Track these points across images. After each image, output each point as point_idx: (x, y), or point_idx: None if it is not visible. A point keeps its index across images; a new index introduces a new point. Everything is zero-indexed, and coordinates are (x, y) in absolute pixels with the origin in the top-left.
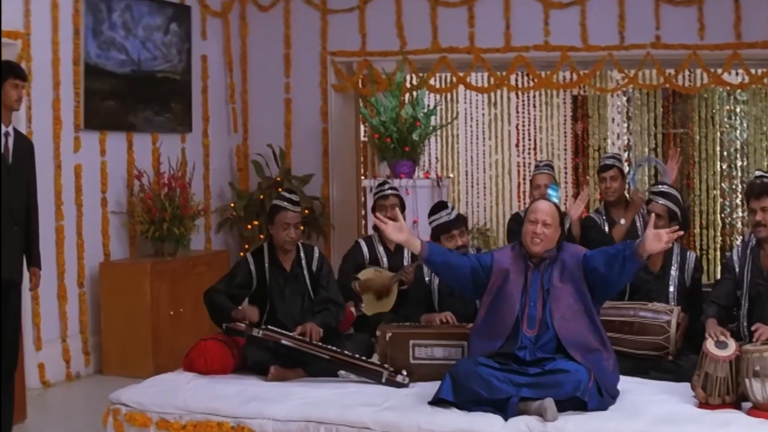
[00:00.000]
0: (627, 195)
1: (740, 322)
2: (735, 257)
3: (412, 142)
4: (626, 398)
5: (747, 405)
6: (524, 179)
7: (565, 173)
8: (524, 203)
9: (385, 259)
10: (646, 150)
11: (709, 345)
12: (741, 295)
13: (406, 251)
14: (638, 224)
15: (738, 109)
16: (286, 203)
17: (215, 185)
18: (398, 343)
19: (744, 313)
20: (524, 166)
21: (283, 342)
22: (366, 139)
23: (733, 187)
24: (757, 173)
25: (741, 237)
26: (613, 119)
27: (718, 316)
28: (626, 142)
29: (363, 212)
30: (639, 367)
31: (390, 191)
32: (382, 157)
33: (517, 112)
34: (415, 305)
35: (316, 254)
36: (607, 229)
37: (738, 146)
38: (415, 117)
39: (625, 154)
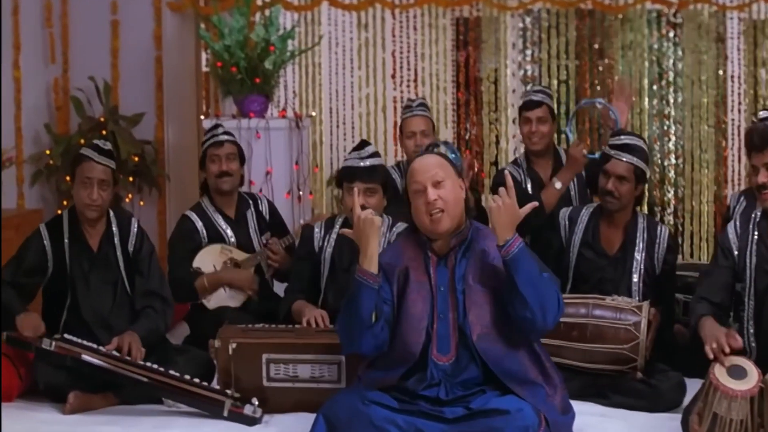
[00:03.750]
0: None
1: (744, 328)
2: (732, 236)
3: (264, 71)
4: None
5: None
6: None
7: (455, 110)
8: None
9: (229, 232)
10: (555, 82)
11: (719, 372)
12: (743, 290)
13: (251, 217)
14: (573, 191)
15: (671, 35)
16: (91, 151)
17: (29, 128)
18: (246, 356)
19: (749, 315)
20: (402, 101)
21: (85, 358)
22: (208, 69)
23: (665, 128)
24: (762, 114)
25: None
26: (513, 45)
27: (714, 315)
28: (529, 72)
29: None
30: (594, 387)
31: (225, 137)
32: (226, 92)
33: (394, 36)
34: (306, 282)
35: (134, 228)
36: (529, 187)
37: (671, 79)
38: (268, 41)
39: (529, 87)
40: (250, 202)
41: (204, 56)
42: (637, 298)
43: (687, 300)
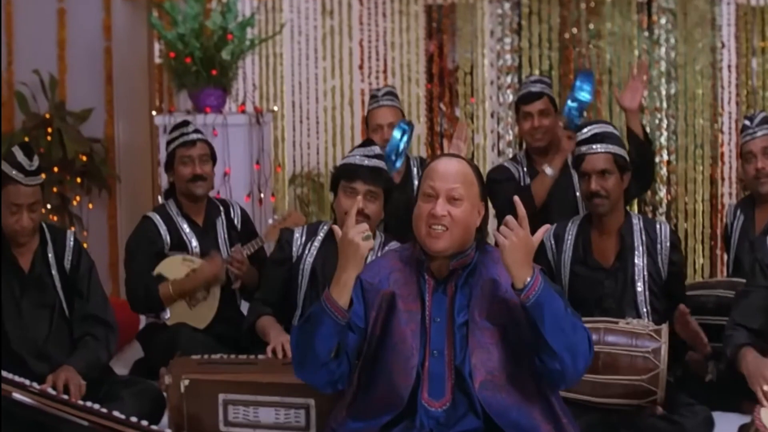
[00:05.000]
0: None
1: None
2: None
3: (221, 62)
4: None
5: None
6: None
7: (428, 104)
8: None
9: (193, 242)
10: (537, 72)
11: (766, 415)
12: None
13: (221, 226)
14: (579, 192)
15: (663, 21)
16: (15, 171)
17: None
18: (200, 395)
19: None
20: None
21: (16, 397)
22: (161, 60)
23: (657, 121)
24: None
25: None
26: (491, 33)
27: (755, 345)
28: (508, 62)
29: (158, 159)
30: (607, 424)
31: (196, 135)
32: (180, 85)
33: (361, 24)
34: (277, 292)
35: (70, 242)
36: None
37: (663, 68)
38: (226, 29)
39: (508, 78)
40: (221, 209)
41: (157, 47)
42: (644, 309)
43: (702, 323)
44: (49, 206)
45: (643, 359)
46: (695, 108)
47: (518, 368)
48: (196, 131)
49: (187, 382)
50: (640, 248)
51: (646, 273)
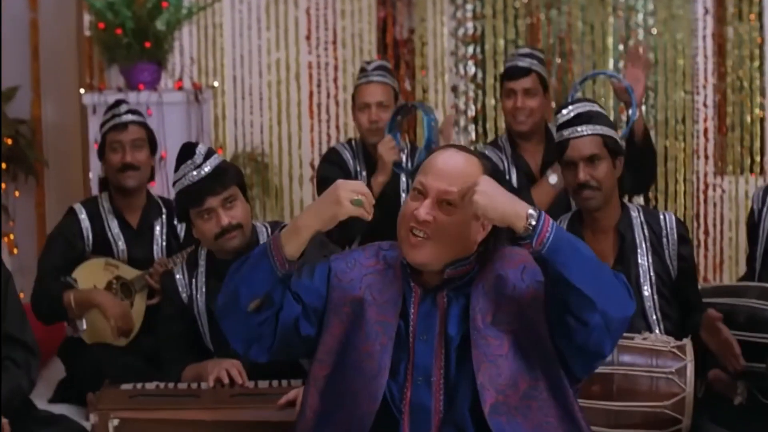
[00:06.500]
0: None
1: None
2: None
3: (155, 33)
4: None
5: None
6: (319, 86)
7: None
8: (321, 123)
9: (120, 245)
10: (502, 42)
11: None
12: None
13: (159, 231)
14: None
15: None
16: None
17: None
18: None
19: None
20: (319, 68)
21: None
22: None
23: None
24: None
25: None
26: None
27: None
28: (470, 31)
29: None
30: None
31: (130, 117)
32: (111, 59)
33: None
34: (185, 346)
35: None
36: (514, 179)
37: (641, 36)
38: None
39: (470, 49)
40: (164, 210)
41: (86, 18)
42: (654, 317)
43: None
44: None
45: (666, 381)
46: (675, 80)
47: (535, 383)
48: (131, 112)
49: (116, 422)
50: (644, 245)
51: (652, 274)
